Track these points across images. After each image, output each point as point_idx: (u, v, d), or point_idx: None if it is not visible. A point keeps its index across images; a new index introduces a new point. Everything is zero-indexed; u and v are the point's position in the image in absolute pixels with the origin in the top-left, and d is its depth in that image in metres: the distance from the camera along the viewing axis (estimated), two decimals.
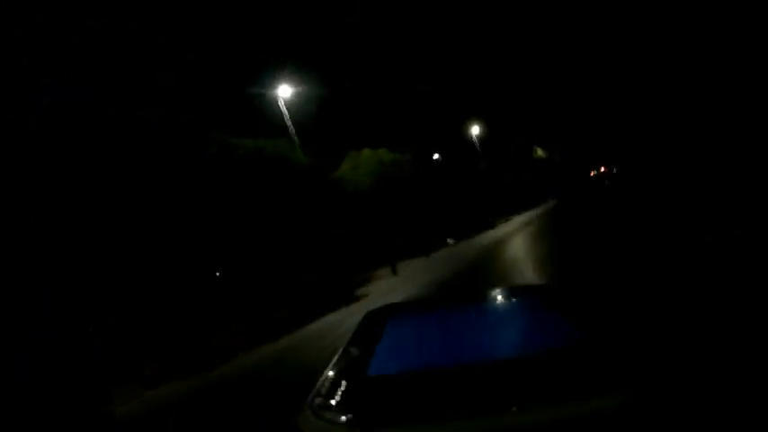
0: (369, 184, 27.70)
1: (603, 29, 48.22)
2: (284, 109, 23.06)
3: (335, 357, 2.22)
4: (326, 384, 1.87)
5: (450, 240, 28.88)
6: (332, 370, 2.03)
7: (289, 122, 22.69)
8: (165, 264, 12.77)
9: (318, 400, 1.73)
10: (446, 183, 36.73)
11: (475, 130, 47.38)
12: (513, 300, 2.97)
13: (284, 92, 23.56)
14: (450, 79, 59.02)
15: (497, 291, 3.33)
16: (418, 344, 2.33)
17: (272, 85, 23.69)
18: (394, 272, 20.19)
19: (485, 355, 2.00)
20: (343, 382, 1.84)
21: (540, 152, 62.15)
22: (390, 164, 30.15)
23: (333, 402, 1.69)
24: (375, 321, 2.72)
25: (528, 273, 10.95)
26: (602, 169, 54.09)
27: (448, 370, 1.83)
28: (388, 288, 16.07)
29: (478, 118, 47.73)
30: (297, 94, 24.46)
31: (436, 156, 46.42)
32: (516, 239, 21.45)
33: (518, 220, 36.56)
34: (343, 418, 1.56)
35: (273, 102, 23.65)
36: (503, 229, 30.21)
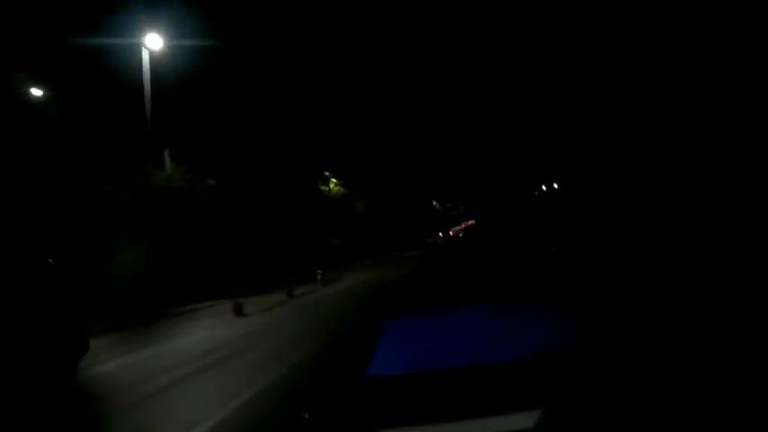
0: None
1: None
2: None
3: (334, 358, 2.45)
4: (325, 385, 2.02)
5: None
6: (330, 371, 2.19)
7: None
8: None
9: (317, 402, 1.81)
10: None
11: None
12: (516, 300, 2.97)
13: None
14: None
15: (500, 290, 3.46)
16: (418, 344, 2.30)
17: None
18: None
19: (485, 356, 1.96)
20: (342, 383, 1.90)
21: (334, 185, 42.38)
22: None
23: (331, 403, 1.72)
24: (374, 321, 2.71)
25: None
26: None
27: (448, 371, 1.83)
28: None
29: None
30: None
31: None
32: None
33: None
34: (342, 419, 1.59)
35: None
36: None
